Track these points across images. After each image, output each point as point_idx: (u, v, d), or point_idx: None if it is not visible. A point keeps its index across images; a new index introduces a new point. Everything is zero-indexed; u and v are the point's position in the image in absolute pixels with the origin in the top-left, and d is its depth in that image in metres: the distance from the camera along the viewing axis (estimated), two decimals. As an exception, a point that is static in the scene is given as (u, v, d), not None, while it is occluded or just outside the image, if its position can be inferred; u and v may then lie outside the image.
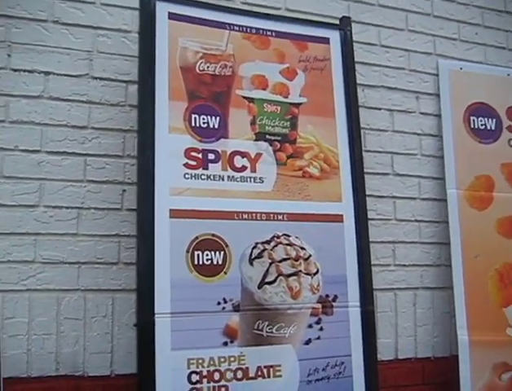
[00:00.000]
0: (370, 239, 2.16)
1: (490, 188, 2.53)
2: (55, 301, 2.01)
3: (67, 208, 2.06)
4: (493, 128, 2.61)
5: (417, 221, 2.52)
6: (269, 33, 2.12)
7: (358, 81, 2.36)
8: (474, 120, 2.58)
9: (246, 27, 2.09)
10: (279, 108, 2.07)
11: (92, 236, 2.07)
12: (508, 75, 2.70)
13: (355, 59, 2.31)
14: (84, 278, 2.05)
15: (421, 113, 2.60)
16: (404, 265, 2.48)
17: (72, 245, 2.05)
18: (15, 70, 2.06)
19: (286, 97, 2.09)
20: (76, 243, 2.05)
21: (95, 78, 2.14)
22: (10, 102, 2.04)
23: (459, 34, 2.73)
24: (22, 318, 1.97)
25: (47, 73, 2.09)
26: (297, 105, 2.10)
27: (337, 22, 2.32)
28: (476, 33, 2.76)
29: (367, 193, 2.28)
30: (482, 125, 2.59)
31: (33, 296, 1.99)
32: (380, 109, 2.53)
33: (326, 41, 2.22)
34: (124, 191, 2.12)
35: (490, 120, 2.61)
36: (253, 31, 2.10)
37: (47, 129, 2.07)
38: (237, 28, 2.07)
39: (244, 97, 2.04)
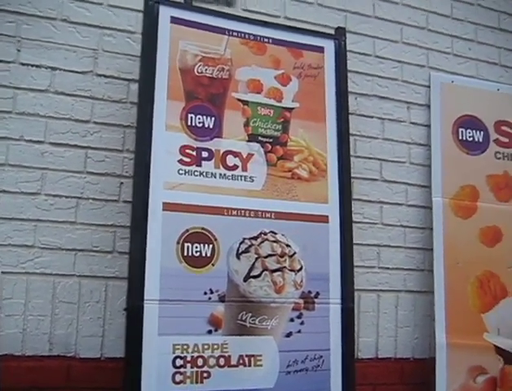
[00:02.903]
0: (356, 242, 2.26)
1: (475, 198, 2.62)
2: (51, 285, 2.11)
3: (66, 197, 2.16)
4: (481, 140, 2.70)
5: (402, 226, 2.61)
6: (266, 40, 2.22)
7: (351, 90, 2.46)
8: (462, 132, 2.68)
9: (244, 33, 2.18)
10: (272, 112, 2.17)
11: (89, 225, 2.17)
12: (498, 90, 2.79)
13: (350, 68, 2.42)
14: (80, 265, 2.15)
15: (412, 123, 2.68)
16: (388, 268, 2.56)
17: (70, 232, 2.15)
18: (24, 64, 2.16)
19: (279, 101, 2.19)
20: (74, 230, 2.15)
21: (99, 75, 2.25)
22: (17, 94, 2.15)
23: (452, 48, 2.82)
24: (19, 299, 2.07)
25: (54, 69, 2.19)
26: (290, 109, 2.20)
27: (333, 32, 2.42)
28: (469, 48, 2.85)
29: (355, 197, 2.40)
30: (470, 136, 2.68)
31: (31, 279, 2.09)
32: (371, 117, 2.62)
33: (321, 49, 2.31)
34: (121, 183, 2.22)
35: (478, 132, 2.70)
36: (251, 37, 2.20)
37: (51, 121, 2.17)
38: (236, 34, 2.17)
39: (240, 99, 2.14)
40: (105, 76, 2.25)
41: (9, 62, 2.15)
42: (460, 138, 2.67)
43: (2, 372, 1.95)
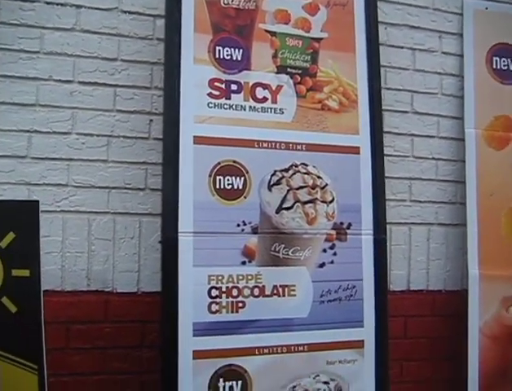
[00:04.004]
0: (387, 175, 2.24)
1: (509, 128, 2.57)
2: (86, 222, 2.16)
3: (97, 135, 2.18)
4: (516, 69, 2.62)
5: (434, 159, 2.58)
6: (293, -32, 2.16)
7: (381, 20, 2.39)
8: (496, 61, 2.60)
9: (271, -39, 2.13)
10: (300, 42, 2.13)
11: (121, 163, 2.20)
12: (534, 16, 2.69)
13: (379, -3, 2.35)
14: (113, 202, 2.18)
15: (444, 53, 2.61)
16: (420, 201, 2.55)
17: (102, 171, 2.18)
18: (49, 3, 2.15)
19: (308, 31, 2.14)
20: (106, 169, 2.18)
21: (125, 12, 2.22)
22: (44, 34, 2.14)
23: (487, -27, 2.71)
24: (56, 236, 2.12)
25: (79, 7, 2.18)
26: (319, 40, 2.15)
27: (362, -41, 2.33)
28: (504, -28, 2.73)
29: (386, 130, 2.36)
30: (504, 65, 2.61)
31: (67, 217, 2.14)
32: (402, 48, 2.55)
33: (349, -23, 2.24)
34: (151, 120, 2.22)
35: (513, 61, 2.62)
36: (278, -35, 2.14)
37: (79, 60, 2.17)
38: (262, -38, 2.11)
39: (267, 31, 2.09)
40: (130, 12, 2.23)
41: (34, 1, 2.13)
42: (494, 67, 2.59)
43: (44, 307, 2.02)
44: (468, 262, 2.45)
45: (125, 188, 2.20)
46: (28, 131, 2.11)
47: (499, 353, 2.43)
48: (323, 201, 2.03)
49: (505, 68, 2.61)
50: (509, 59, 2.61)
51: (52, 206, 2.12)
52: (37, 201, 1.77)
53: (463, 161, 2.54)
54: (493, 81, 2.59)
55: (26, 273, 1.68)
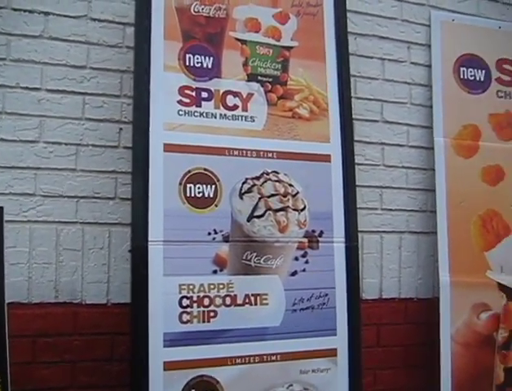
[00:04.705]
0: (358, 183, 2.26)
1: (477, 137, 2.61)
2: (54, 233, 2.11)
3: (66, 144, 2.14)
4: (482, 79, 2.67)
5: (404, 167, 2.60)
6: (263, -23, 2.17)
7: (350, 30, 2.42)
8: (463, 71, 2.64)
9: (240, -30, 2.14)
10: (271, 51, 2.13)
11: (90, 172, 2.16)
12: (499, 28, 2.74)
13: (349, 8, 2.37)
14: (82, 212, 2.14)
15: (412, 63, 2.64)
16: (391, 210, 2.57)
17: (70, 180, 2.14)
18: (16, 10, 2.11)
19: (278, 40, 2.15)
20: (74, 178, 2.14)
21: (94, 20, 2.20)
22: (11, 41, 2.10)
23: (453, -14, 2.76)
24: (23, 247, 2.07)
25: (47, 14, 2.14)
26: (289, 48, 2.16)
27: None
28: (470, -15, 2.80)
29: (356, 139, 2.37)
30: (471, 75, 2.65)
31: (34, 227, 2.09)
32: (371, 58, 2.58)
33: (319, -14, 2.26)
34: (121, 129, 2.19)
35: (480, 71, 2.66)
36: (248, -26, 2.15)
37: (47, 67, 2.14)
38: (232, -28, 2.12)
39: (238, 39, 2.10)
40: (100, 20, 2.21)
41: (1, 7, 2.09)
42: (461, 77, 2.64)
43: (10, 320, 1.96)
44: (439, 269, 2.47)
45: (95, 197, 2.16)
46: (-7, 139, 2.07)
47: (471, 359, 2.44)
48: (294, 209, 2.03)
49: (472, 78, 2.65)
50: (475, 70, 2.66)
51: (19, 216, 2.07)
52: (1, 207, 1.73)
53: (433, 170, 2.56)
54: (461, 91, 2.63)
55: (-11, 282, 1.63)
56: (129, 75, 2.18)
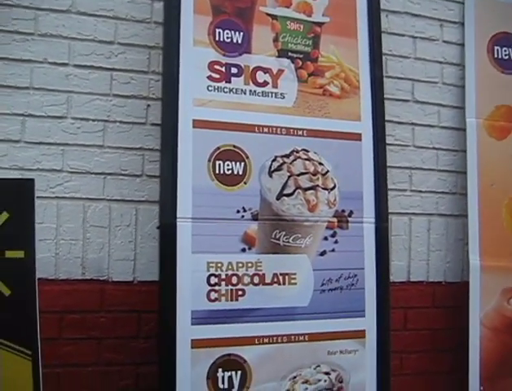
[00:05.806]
0: (387, 164, 2.20)
1: (510, 118, 2.54)
2: (81, 209, 2.10)
3: (93, 120, 2.12)
4: (517, 58, 2.60)
5: (435, 148, 2.54)
6: (295, -50, 2.12)
7: (382, 7, 2.36)
8: (498, 50, 2.57)
9: None
10: (302, 26, 2.09)
11: (117, 148, 2.14)
12: (536, 5, 2.67)
13: (380, -16, 2.32)
14: (109, 189, 2.13)
15: (444, 41, 2.58)
16: (420, 191, 2.52)
17: (98, 156, 2.12)
18: (44, -16, 2.10)
19: (309, 16, 2.11)
20: (102, 154, 2.13)
21: (121, -6, 2.18)
22: (39, 15, 2.08)
23: (488, -38, 2.68)
24: (50, 223, 2.06)
25: (75, -12, 2.13)
26: (320, 24, 2.12)
27: None
28: (506, -39, 2.71)
29: (387, 118, 2.31)
30: (506, 55, 2.58)
31: (61, 203, 2.08)
32: (403, 35, 2.52)
33: (351, -39, 2.20)
34: (148, 105, 2.17)
35: (514, 50, 2.60)
36: None
37: (75, 42, 2.11)
38: None
39: (268, 14, 2.06)
40: (128, -6, 2.18)
41: (28, -18, 2.08)
42: (495, 56, 2.57)
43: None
44: (469, 253, 2.42)
45: (122, 174, 2.14)
46: (22, 115, 2.05)
47: (500, 344, 2.40)
48: (324, 188, 2.00)
49: (507, 57, 2.58)
50: (510, 49, 2.59)
51: (46, 192, 2.07)
52: (33, 179, 1.71)
53: (464, 151, 2.51)
54: (494, 71, 2.56)
55: (21, 254, 1.63)
56: (157, 51, 2.16)
